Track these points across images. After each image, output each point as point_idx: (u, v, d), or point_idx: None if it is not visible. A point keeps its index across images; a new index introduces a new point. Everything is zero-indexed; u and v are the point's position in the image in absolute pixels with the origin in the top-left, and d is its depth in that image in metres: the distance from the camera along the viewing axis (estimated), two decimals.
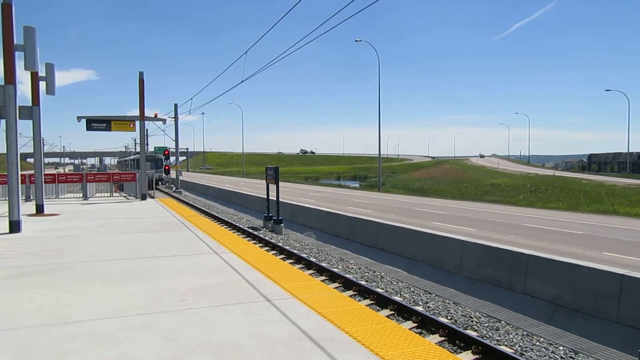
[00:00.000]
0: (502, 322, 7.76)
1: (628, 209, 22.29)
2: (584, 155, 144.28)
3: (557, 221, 17.97)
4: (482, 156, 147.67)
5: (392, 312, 8.13)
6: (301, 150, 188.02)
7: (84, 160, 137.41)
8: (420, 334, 7.12)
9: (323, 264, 11.46)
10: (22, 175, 15.08)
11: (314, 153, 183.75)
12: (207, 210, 24.62)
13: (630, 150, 68.18)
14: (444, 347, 6.69)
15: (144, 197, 20.05)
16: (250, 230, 16.87)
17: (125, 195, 22.63)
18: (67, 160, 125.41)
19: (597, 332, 6.99)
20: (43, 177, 15.04)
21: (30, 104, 14.58)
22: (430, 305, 8.61)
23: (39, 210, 14.31)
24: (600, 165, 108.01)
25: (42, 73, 14.40)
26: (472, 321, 7.76)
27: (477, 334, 7.10)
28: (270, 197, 18.47)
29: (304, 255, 12.49)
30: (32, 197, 18.51)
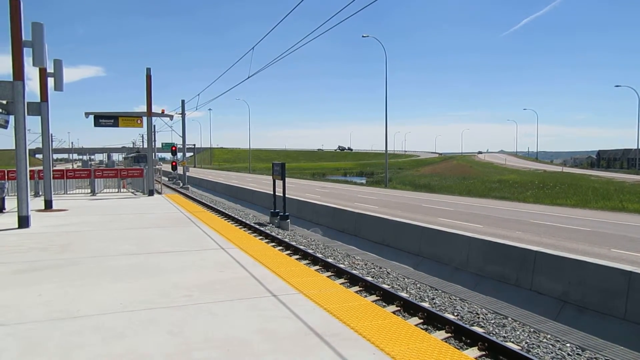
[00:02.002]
0: (509, 318, 7.73)
1: (637, 205, 22.08)
2: (592, 152, 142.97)
3: (565, 218, 17.85)
4: (480, 152, 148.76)
5: (398, 308, 8.13)
6: (339, 146, 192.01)
7: (92, 156, 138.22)
8: (426, 330, 7.11)
9: (329, 260, 11.47)
10: (31, 171, 15.20)
11: (351, 150, 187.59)
12: (213, 206, 24.71)
13: (639, 147, 67.40)
14: (450, 343, 6.68)
15: (151, 193, 20.15)
16: (257, 226, 16.92)
17: (132, 191, 22.77)
18: (75, 156, 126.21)
19: (605, 329, 6.95)
20: (51, 172, 15.15)
21: (38, 100, 14.68)
22: (437, 302, 8.60)
23: (48, 205, 14.43)
24: (609, 161, 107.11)
25: (50, 69, 14.47)
26: (478, 318, 7.74)
27: (484, 331, 7.09)
28: (276, 193, 18.49)
29: (310, 251, 12.51)
30: (40, 193, 18.67)
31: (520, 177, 49.15)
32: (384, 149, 41.80)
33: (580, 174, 55.82)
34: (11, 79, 10.65)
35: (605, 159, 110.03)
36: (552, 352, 6.40)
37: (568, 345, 6.68)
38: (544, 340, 6.84)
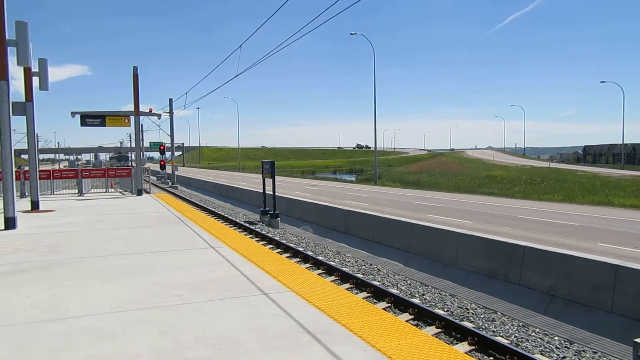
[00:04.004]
0: (498, 313, 7.81)
1: (623, 200, 22.43)
2: (579, 147, 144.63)
3: (553, 213, 18.06)
4: (452, 150, 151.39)
5: (389, 304, 8.17)
6: (357, 144, 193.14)
7: (79, 156, 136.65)
8: (416, 326, 7.16)
9: (320, 258, 11.48)
10: (16, 171, 14.99)
11: (369, 147, 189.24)
12: (203, 205, 24.59)
13: (624, 142, 68.38)
14: (440, 338, 6.73)
15: (139, 193, 20.00)
16: (247, 225, 16.88)
17: (120, 190, 22.57)
18: (62, 156, 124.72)
19: (592, 322, 7.05)
20: (38, 173, 14.97)
21: (23, 100, 14.48)
22: (427, 298, 8.66)
23: (34, 206, 14.25)
24: (595, 156, 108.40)
25: (35, 68, 14.29)
26: (468, 313, 7.81)
27: (474, 326, 7.15)
28: (266, 192, 18.46)
29: (300, 249, 12.51)
30: (27, 194, 18.43)
31: (508, 173, 49.61)
32: (374, 145, 41.93)
33: (567, 169, 56.52)
34: None
35: (591, 154, 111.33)
36: (540, 346, 6.48)
37: (556, 338, 6.77)
38: (533, 334, 6.92)
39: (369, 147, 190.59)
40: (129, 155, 55.53)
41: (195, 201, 26.68)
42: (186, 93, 45.52)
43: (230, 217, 19.20)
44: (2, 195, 10.79)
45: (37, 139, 16.54)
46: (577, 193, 26.35)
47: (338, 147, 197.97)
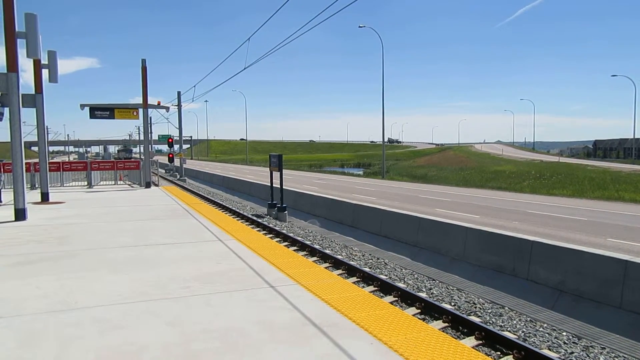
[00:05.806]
0: (506, 308, 7.78)
1: (633, 195, 22.19)
2: (589, 142, 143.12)
3: (562, 208, 17.92)
4: (443, 144, 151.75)
5: (396, 298, 8.16)
6: (389, 139, 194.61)
7: (89, 149, 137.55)
8: (423, 320, 7.15)
9: (327, 251, 11.49)
10: (26, 163, 15.13)
11: (400, 142, 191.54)
12: (211, 197, 24.69)
13: (636, 136, 67.52)
14: (447, 332, 6.72)
15: (148, 185, 20.11)
16: (254, 218, 16.92)
17: (129, 183, 22.71)
18: (71, 148, 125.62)
19: (601, 318, 7.00)
20: (47, 165, 15.09)
21: (33, 92, 14.57)
22: (434, 292, 8.64)
23: (44, 198, 14.37)
24: (605, 151, 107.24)
25: (44, 61, 14.35)
26: (475, 307, 7.78)
27: (481, 320, 7.13)
28: (273, 185, 18.49)
29: (308, 243, 12.53)
30: (37, 185, 18.60)
31: (516, 167, 49.25)
32: (381, 139, 41.78)
33: (577, 164, 55.95)
34: (5, 71, 10.55)
35: (601, 149, 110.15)
36: (548, 341, 6.45)
37: (564, 333, 6.73)
38: (541, 329, 6.89)
39: (400, 142, 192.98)
40: (137, 147, 56.45)
41: (203, 194, 26.79)
42: (194, 86, 45.82)
43: (237, 210, 19.26)
44: (12, 186, 10.88)
45: (47, 131, 16.67)
46: (586, 188, 26.10)
47: (371, 142, 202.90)
